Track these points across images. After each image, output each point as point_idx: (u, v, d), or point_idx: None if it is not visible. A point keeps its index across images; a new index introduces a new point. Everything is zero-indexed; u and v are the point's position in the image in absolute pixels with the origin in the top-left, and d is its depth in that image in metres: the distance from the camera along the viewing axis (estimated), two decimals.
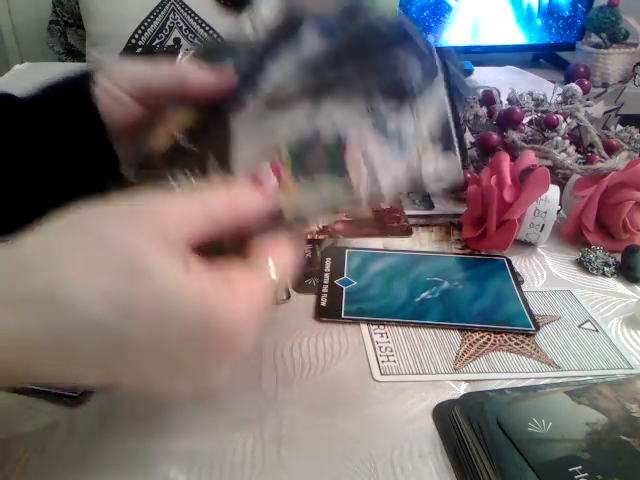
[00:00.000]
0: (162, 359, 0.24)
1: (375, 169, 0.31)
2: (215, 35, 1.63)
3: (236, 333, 0.25)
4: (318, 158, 0.32)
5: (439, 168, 0.29)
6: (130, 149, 0.40)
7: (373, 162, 0.31)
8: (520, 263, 0.52)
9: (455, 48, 2.02)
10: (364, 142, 0.32)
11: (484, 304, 0.45)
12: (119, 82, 0.38)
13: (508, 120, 0.63)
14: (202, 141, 0.36)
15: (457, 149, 0.29)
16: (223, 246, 0.30)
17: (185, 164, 0.38)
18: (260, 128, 0.34)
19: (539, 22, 2.03)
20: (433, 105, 0.31)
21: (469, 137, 0.66)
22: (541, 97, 0.67)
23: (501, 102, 0.67)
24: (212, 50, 0.47)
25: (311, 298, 0.46)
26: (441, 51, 0.33)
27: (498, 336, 0.43)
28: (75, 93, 0.38)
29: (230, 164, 0.34)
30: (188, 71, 0.39)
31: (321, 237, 0.54)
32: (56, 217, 0.25)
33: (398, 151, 0.31)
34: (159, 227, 0.25)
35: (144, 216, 0.25)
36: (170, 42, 1.62)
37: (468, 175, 0.58)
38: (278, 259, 0.29)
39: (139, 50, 1.15)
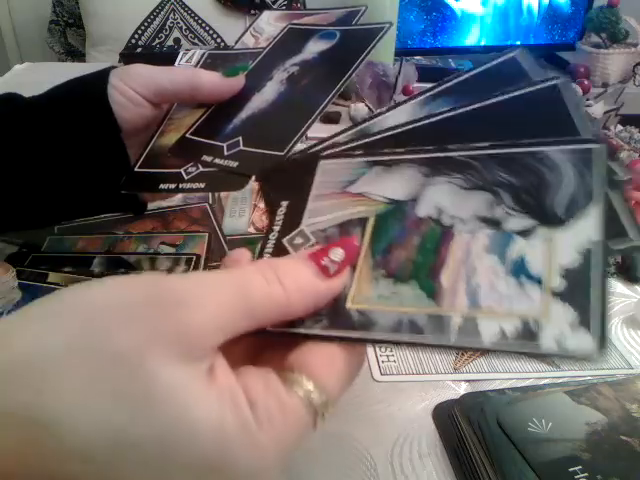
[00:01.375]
0: None
1: (479, 304, 0.21)
2: (215, 35, 1.63)
3: None
4: (409, 249, 0.24)
5: (564, 343, 0.19)
6: (141, 147, 0.41)
7: (478, 293, 0.22)
8: None
9: (456, 48, 2.02)
10: (473, 256, 0.23)
11: None
12: (133, 84, 0.39)
13: None
14: (278, 187, 0.30)
15: (598, 327, 0.19)
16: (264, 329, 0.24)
17: (195, 157, 0.38)
18: (348, 189, 0.27)
19: (539, 22, 2.03)
20: (577, 246, 0.21)
21: None
22: None
23: None
24: (223, 56, 0.48)
25: None
26: (609, 153, 0.23)
27: None
28: (90, 92, 0.39)
29: (302, 218, 0.27)
30: (202, 76, 0.40)
31: None
32: (55, 300, 0.20)
33: (514, 292, 0.21)
34: (184, 330, 0.19)
35: (166, 312, 0.20)
36: (170, 42, 1.62)
37: None
38: (329, 379, 0.22)
39: (139, 50, 1.15)
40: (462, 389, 0.38)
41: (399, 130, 0.29)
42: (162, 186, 0.38)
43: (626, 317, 0.46)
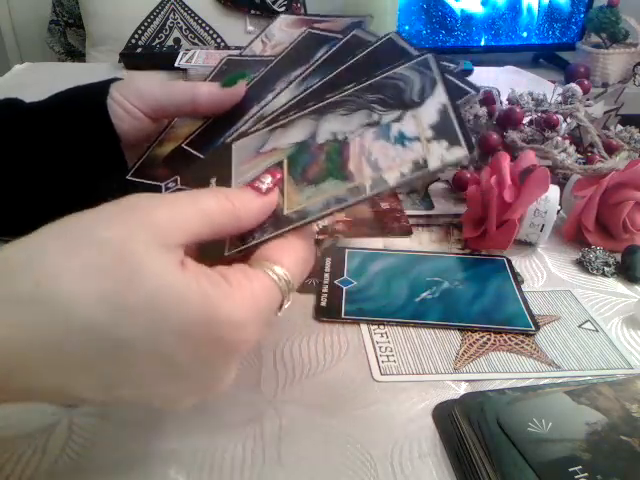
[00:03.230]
0: (161, 363, 0.23)
1: (380, 168, 0.30)
2: (215, 35, 1.62)
3: (238, 333, 0.24)
4: (319, 164, 0.32)
5: (446, 160, 0.28)
6: (138, 158, 0.41)
7: (377, 162, 0.30)
8: (520, 263, 0.52)
9: (456, 48, 2.02)
10: (367, 146, 0.31)
11: (484, 304, 0.45)
12: (132, 98, 0.40)
13: (508, 120, 0.63)
14: (204, 171, 0.35)
15: (462, 141, 0.28)
16: (223, 249, 0.29)
17: (182, 169, 0.38)
18: (261, 151, 0.34)
19: (539, 22, 2.03)
20: (434, 109, 0.30)
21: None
22: (541, 97, 0.67)
23: (501, 102, 0.67)
24: (240, 62, 0.48)
25: (311, 298, 0.46)
26: (438, 59, 0.33)
27: (498, 336, 0.43)
28: (90, 102, 0.40)
29: (231, 182, 0.33)
30: (200, 89, 0.40)
31: (321, 237, 0.54)
32: (49, 224, 0.24)
33: (402, 151, 0.30)
34: (153, 228, 0.24)
35: (138, 215, 0.24)
36: (170, 42, 1.62)
37: (468, 175, 0.58)
38: (285, 260, 0.27)
39: (139, 50, 1.15)
40: (462, 389, 0.38)
41: (288, 105, 0.38)
42: None
43: (626, 317, 0.46)
